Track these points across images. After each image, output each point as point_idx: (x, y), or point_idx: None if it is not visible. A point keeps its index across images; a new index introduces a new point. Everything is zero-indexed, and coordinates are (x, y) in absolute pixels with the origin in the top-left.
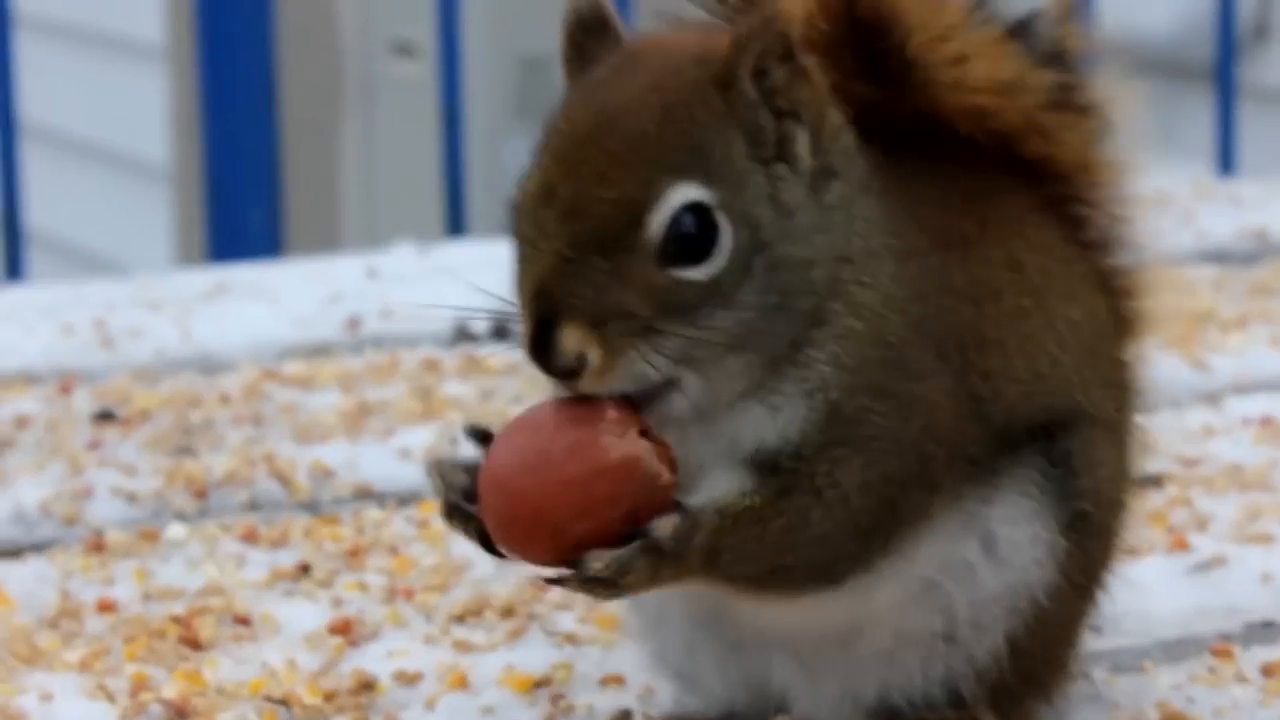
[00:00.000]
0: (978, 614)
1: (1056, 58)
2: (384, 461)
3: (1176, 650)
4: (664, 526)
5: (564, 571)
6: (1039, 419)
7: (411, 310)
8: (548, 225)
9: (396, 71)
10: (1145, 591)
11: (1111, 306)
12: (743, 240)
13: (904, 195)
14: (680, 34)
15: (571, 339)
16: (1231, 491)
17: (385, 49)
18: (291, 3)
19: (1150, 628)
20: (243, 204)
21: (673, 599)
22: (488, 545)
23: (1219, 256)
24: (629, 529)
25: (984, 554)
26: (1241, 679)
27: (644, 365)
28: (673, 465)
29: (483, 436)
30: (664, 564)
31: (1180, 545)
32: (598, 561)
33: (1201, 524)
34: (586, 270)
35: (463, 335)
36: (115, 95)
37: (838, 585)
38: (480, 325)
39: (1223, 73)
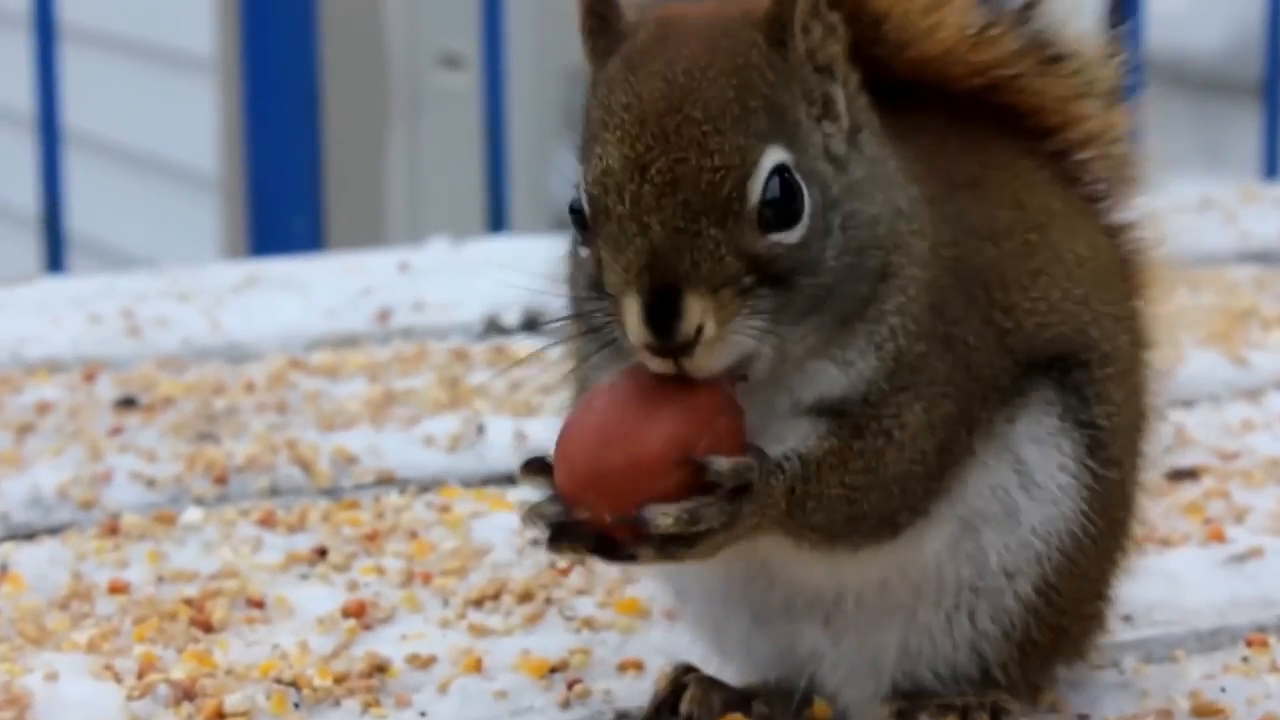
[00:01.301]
0: (1008, 560)
1: (1029, 9)
2: (408, 448)
3: (1210, 641)
4: (723, 464)
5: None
6: (1054, 350)
7: (443, 302)
8: (646, 198)
9: (444, 83)
10: (1179, 582)
11: (1113, 249)
12: (818, 200)
13: (910, 145)
14: (694, 5)
15: (695, 308)
16: (1270, 484)
17: (432, 61)
18: (339, 16)
19: (1184, 618)
20: (285, 213)
21: (695, 575)
22: (603, 549)
23: (1262, 257)
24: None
25: (1017, 478)
26: (1276, 669)
27: (749, 337)
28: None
29: (541, 466)
30: (739, 510)
31: (1216, 537)
32: (664, 516)
33: (1239, 516)
34: (700, 240)
35: (494, 327)
36: (166, 106)
37: (898, 534)
38: (511, 317)
39: (1271, 80)
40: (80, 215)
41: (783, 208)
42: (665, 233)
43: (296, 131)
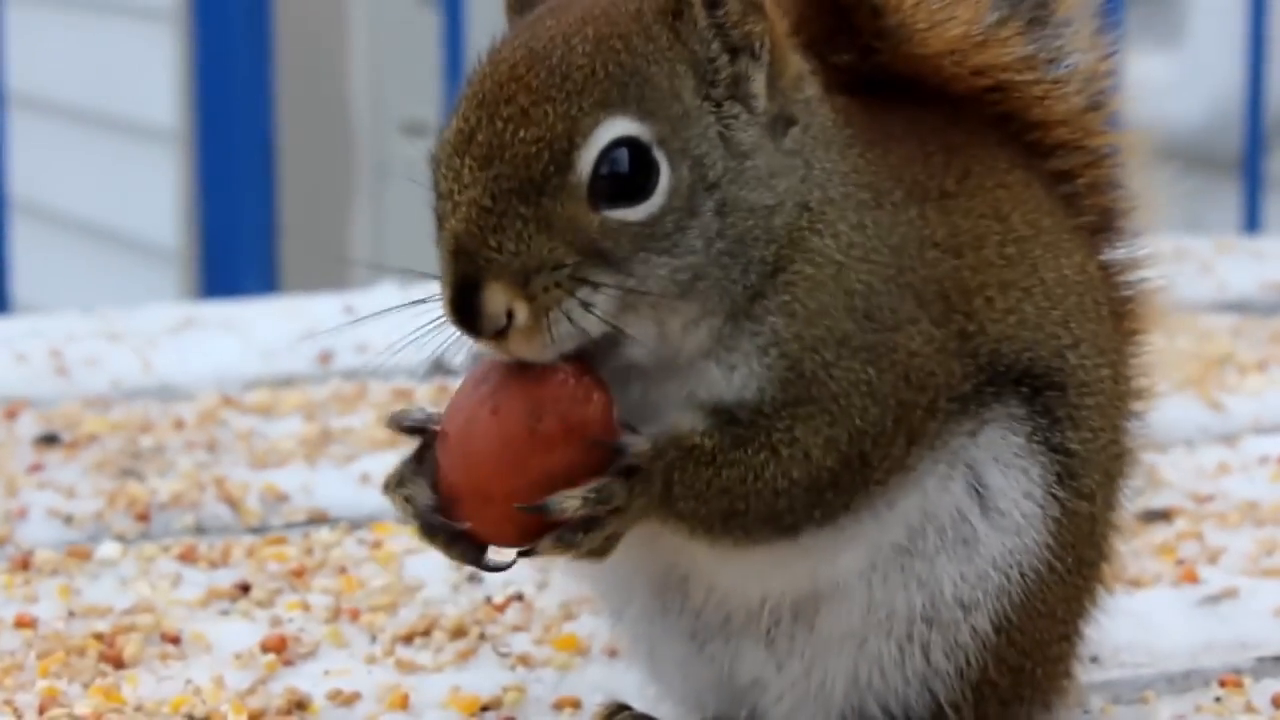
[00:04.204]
0: (964, 591)
1: (1041, 20)
2: (341, 486)
3: (1181, 683)
4: (638, 442)
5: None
6: (1024, 366)
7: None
8: (464, 174)
9: (409, 151)
10: (1150, 623)
11: (1107, 283)
12: (685, 179)
13: (879, 150)
14: None
15: (496, 300)
16: (1245, 526)
17: (397, 129)
18: (302, 84)
19: (1154, 660)
20: (239, 279)
21: (630, 590)
22: (474, 558)
23: (1239, 307)
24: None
25: (977, 502)
26: (1250, 709)
27: (576, 322)
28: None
29: (416, 430)
30: (635, 490)
31: (1189, 578)
32: (570, 500)
33: (1213, 557)
34: (508, 220)
35: (439, 368)
36: (127, 178)
37: (793, 536)
38: (459, 357)
39: (1251, 152)
40: (37, 287)
41: (624, 182)
42: (472, 215)
43: (252, 199)
